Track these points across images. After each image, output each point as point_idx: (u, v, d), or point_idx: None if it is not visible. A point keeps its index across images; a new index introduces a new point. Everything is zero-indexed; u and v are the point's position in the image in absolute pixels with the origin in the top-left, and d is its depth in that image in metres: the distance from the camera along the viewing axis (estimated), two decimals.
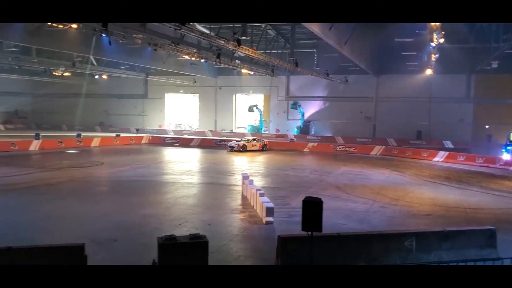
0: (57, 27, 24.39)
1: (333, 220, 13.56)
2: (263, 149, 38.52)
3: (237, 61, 36.29)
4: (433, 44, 25.40)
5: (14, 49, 39.47)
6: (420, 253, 9.52)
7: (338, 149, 39.97)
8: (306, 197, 7.85)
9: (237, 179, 21.91)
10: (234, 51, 27.71)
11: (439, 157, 34.06)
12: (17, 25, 25.21)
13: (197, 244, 8.15)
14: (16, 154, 31.86)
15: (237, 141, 38.78)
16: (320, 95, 51.49)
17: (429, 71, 35.31)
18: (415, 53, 41.10)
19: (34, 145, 35.85)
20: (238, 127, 57.97)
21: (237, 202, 17.38)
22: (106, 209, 15.56)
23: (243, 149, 36.86)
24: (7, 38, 30.61)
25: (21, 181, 20.84)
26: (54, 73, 49.93)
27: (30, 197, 17.28)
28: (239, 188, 19.37)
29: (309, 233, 7.69)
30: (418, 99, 45.47)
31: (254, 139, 39.78)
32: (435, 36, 24.02)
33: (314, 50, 45.36)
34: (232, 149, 37.02)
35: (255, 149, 37.85)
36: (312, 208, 7.63)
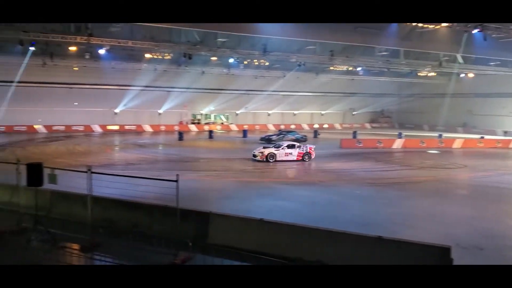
0: (427, 28, 24.79)
1: None
2: (304, 159, 26.54)
3: None
4: None
5: (384, 53, 42.77)
6: None
7: None
8: None
9: None
10: None
11: None
12: (391, 31, 27.16)
13: None
14: (381, 151, 34.51)
15: (264, 146, 28.08)
16: None
17: None
18: None
19: (397, 144, 37.93)
20: None
21: None
22: (470, 213, 14.76)
23: (269, 159, 26.01)
24: (381, 43, 33.48)
25: (387, 176, 22.50)
26: (419, 73, 51.37)
27: (394, 192, 18.39)
28: None
29: None
30: None
31: (292, 145, 27.36)
32: None
33: None
34: (255, 158, 26.61)
35: (291, 159, 26.30)
36: None
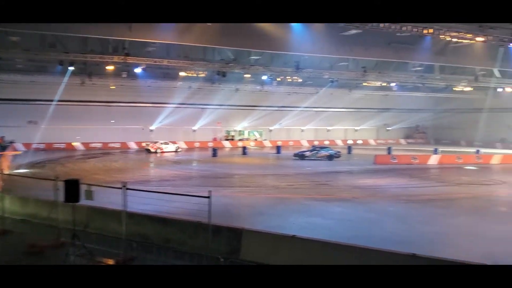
0: (461, 43, 24.40)
1: None
2: (177, 150, 46.92)
3: None
4: None
5: (418, 68, 42.16)
6: None
7: None
8: None
9: None
10: None
11: None
12: (424, 46, 26.79)
13: None
14: (416, 167, 33.81)
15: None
16: None
17: None
18: None
19: (433, 160, 37.06)
20: None
21: None
22: (510, 232, 14.21)
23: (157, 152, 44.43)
24: (414, 58, 33.05)
25: (423, 193, 21.98)
26: (454, 88, 50.23)
27: (431, 210, 17.94)
28: None
29: None
30: None
31: (166, 143, 46.76)
32: None
33: None
34: (148, 151, 44.48)
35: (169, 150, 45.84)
36: None
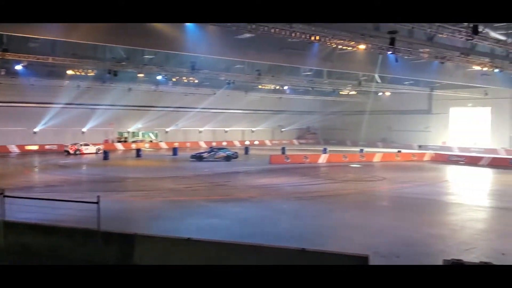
0: (346, 49, 26.18)
1: None
2: (97, 152, 45.15)
3: None
4: None
5: (308, 73, 44.49)
6: None
7: None
8: None
9: None
10: None
11: None
12: (313, 52, 28.27)
13: None
14: (307, 166, 35.65)
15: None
16: None
17: None
18: None
19: (322, 159, 39.39)
20: None
21: None
22: (389, 223, 15.68)
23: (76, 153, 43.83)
24: (304, 64, 34.75)
25: (313, 190, 23.25)
26: (341, 92, 53.98)
27: (320, 205, 19.08)
28: None
29: None
30: None
31: (86, 144, 45.98)
32: None
33: None
34: (68, 153, 43.60)
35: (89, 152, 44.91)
36: None
